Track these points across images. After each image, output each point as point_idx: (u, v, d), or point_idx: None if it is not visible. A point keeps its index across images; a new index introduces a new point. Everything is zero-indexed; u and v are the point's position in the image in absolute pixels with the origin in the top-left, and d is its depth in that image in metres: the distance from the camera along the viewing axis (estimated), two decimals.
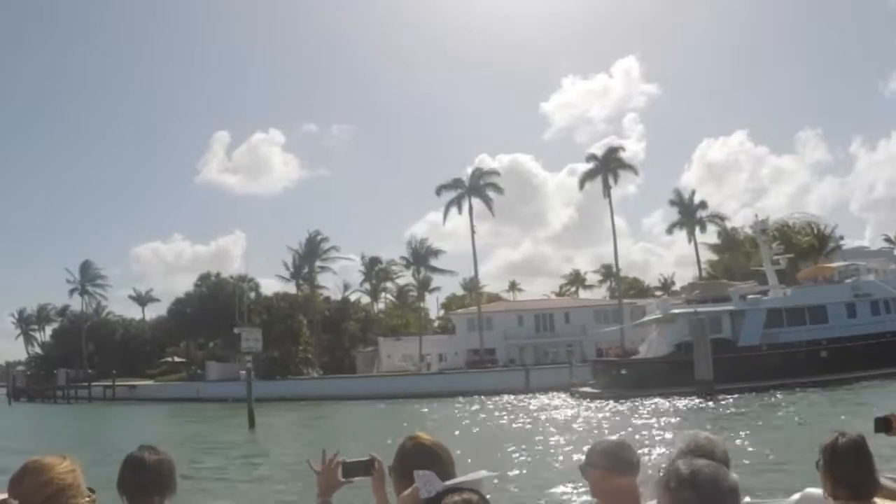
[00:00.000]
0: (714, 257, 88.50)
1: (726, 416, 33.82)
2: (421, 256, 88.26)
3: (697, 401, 41.13)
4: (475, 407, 48.05)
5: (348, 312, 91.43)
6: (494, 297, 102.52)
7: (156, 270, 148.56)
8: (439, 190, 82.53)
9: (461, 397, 56.49)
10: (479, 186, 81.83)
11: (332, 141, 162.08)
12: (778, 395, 41.09)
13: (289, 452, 28.28)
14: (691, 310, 50.85)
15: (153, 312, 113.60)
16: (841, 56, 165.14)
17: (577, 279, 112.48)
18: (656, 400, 42.37)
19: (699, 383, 44.02)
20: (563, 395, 53.68)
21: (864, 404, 31.98)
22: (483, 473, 3.00)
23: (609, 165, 79.04)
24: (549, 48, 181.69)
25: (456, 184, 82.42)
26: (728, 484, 2.27)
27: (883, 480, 3.77)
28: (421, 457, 3.21)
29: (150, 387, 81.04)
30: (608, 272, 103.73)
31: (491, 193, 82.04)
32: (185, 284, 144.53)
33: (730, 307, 51.20)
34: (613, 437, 3.57)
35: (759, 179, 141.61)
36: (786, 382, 44.20)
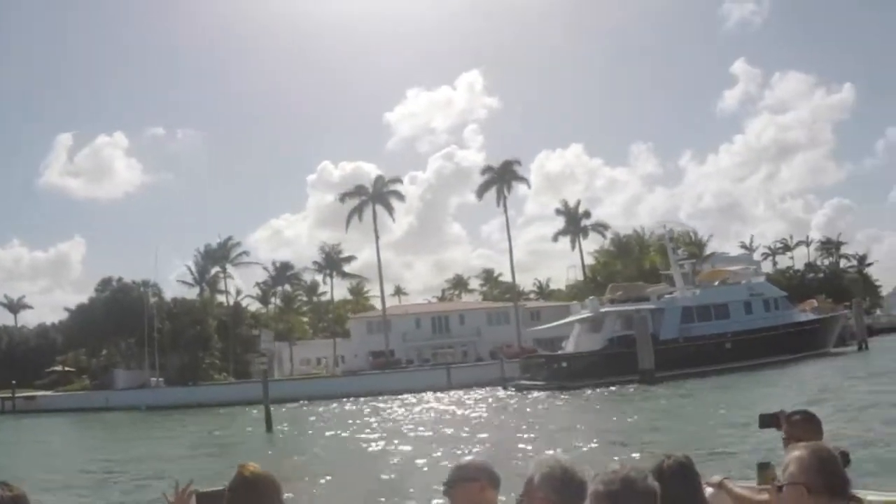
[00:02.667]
0: (590, 262, 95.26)
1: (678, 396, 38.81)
2: (334, 262, 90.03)
3: (641, 387, 46.50)
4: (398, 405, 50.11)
5: (241, 318, 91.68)
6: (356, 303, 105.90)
7: None
8: (342, 197, 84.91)
9: (382, 396, 58.49)
10: (382, 194, 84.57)
11: (177, 146, 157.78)
12: (707, 381, 46.54)
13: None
14: (620, 308, 56.52)
15: (24, 320, 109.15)
16: (676, 75, 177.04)
17: (460, 283, 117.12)
18: (594, 390, 47.16)
19: (643, 372, 49.36)
20: (483, 391, 56.81)
21: (773, 385, 39.34)
22: None
23: (504, 177, 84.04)
24: (397, 60, 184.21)
25: (359, 191, 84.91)
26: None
27: (733, 486, 4.38)
28: (247, 492, 3.27)
29: (53, 397, 76.73)
30: (489, 276, 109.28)
31: (397, 202, 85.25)
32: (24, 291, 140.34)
33: (651, 306, 56.83)
34: (475, 455, 3.90)
35: (595, 189, 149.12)
36: (702, 370, 49.80)
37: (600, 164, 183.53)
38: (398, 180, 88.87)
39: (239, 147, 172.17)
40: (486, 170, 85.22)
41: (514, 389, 55.35)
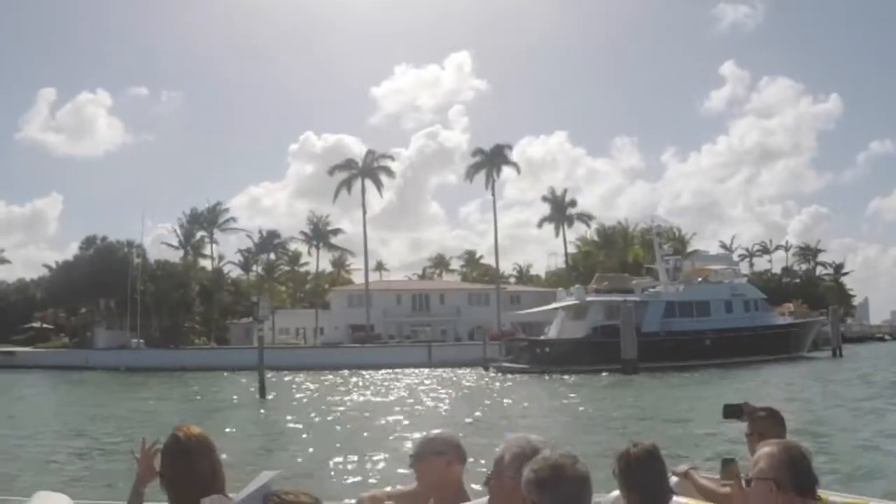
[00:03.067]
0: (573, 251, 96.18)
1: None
2: (321, 233, 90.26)
3: (623, 376, 47.43)
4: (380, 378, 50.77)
5: (221, 284, 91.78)
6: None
7: None
8: (332, 170, 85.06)
9: (365, 371, 58.97)
10: (372, 169, 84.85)
11: (160, 107, 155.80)
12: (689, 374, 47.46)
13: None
14: (605, 298, 57.47)
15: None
16: (665, 72, 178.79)
17: (441, 262, 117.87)
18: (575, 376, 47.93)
19: (625, 361, 50.28)
20: (465, 370, 57.41)
21: (749, 381, 39.89)
22: (268, 475, 2.97)
23: (494, 161, 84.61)
24: (387, 35, 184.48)
25: (349, 164, 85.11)
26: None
27: (697, 477, 4.46)
28: (183, 455, 3.21)
29: (32, 353, 76.10)
30: (470, 257, 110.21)
31: (383, 177, 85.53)
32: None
33: (636, 298, 57.69)
34: (441, 429, 3.85)
35: (575, 179, 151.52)
36: (681, 364, 50.62)
37: (583, 153, 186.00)
38: (389, 156, 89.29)
39: (222, 113, 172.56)
40: (477, 152, 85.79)
41: (495, 370, 56.20)
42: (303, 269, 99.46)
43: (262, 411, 32.83)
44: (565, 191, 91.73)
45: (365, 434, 22.01)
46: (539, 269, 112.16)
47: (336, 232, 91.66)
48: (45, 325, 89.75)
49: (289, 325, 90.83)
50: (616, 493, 3.76)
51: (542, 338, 59.78)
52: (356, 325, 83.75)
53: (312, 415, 28.41)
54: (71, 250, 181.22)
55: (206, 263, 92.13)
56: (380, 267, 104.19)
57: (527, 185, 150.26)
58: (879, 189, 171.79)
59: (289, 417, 27.60)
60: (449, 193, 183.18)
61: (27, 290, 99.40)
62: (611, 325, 54.62)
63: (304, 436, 22.60)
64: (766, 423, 4.46)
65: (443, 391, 39.90)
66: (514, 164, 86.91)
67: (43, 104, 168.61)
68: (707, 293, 60.25)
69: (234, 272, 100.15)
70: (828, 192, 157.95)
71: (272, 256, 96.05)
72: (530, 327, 72.51)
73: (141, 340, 75.83)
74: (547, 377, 48.88)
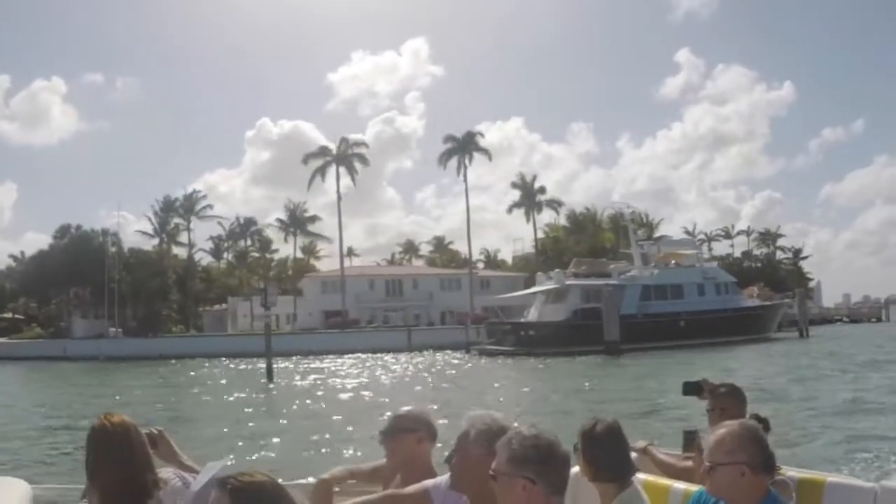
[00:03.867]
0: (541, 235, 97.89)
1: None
2: (298, 221, 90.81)
3: (606, 357, 49.23)
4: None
5: (194, 271, 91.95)
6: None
7: None
8: (306, 158, 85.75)
9: (346, 356, 59.67)
10: (347, 156, 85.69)
11: (115, 94, 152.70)
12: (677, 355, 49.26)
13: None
14: (584, 282, 59.29)
15: None
16: (621, 59, 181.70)
17: (410, 248, 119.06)
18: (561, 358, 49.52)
19: (608, 343, 52.06)
20: (445, 353, 58.82)
21: (736, 359, 42.14)
22: (215, 465, 2.88)
23: (466, 148, 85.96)
24: (344, 21, 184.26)
25: (323, 152, 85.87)
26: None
27: (656, 452, 4.52)
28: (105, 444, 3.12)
29: (7, 344, 74.89)
30: (439, 243, 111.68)
31: (357, 164, 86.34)
32: None
33: (614, 282, 59.49)
34: (412, 406, 3.88)
35: (531, 164, 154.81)
36: (659, 345, 52.52)
37: (538, 139, 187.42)
38: (363, 143, 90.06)
39: (177, 99, 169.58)
40: (448, 139, 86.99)
41: (478, 353, 57.68)
42: (276, 256, 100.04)
43: (274, 393, 33.79)
44: (534, 177, 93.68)
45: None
46: (505, 255, 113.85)
47: (314, 219, 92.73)
48: (16, 316, 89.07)
49: (249, 314, 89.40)
50: (576, 468, 3.58)
51: (523, 321, 61.32)
52: (330, 311, 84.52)
53: (319, 398, 29.51)
54: (26, 240, 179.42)
55: (178, 251, 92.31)
56: (350, 253, 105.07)
57: (484, 170, 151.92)
58: (831, 175, 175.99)
59: (308, 401, 28.55)
60: (405, 179, 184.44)
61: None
62: (590, 308, 56.32)
63: (336, 417, 23.61)
64: (728, 399, 4.46)
65: (434, 371, 41.09)
66: (486, 151, 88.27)
67: None
68: (680, 277, 62.26)
69: (205, 259, 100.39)
70: (780, 178, 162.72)
71: (248, 243, 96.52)
72: (501, 311, 74.27)
73: (119, 329, 75.87)
74: (533, 359, 50.36)
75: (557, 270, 62.74)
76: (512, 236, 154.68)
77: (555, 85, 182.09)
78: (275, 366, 42.84)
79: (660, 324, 57.01)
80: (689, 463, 4.26)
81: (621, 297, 58.00)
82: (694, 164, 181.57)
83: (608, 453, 3.49)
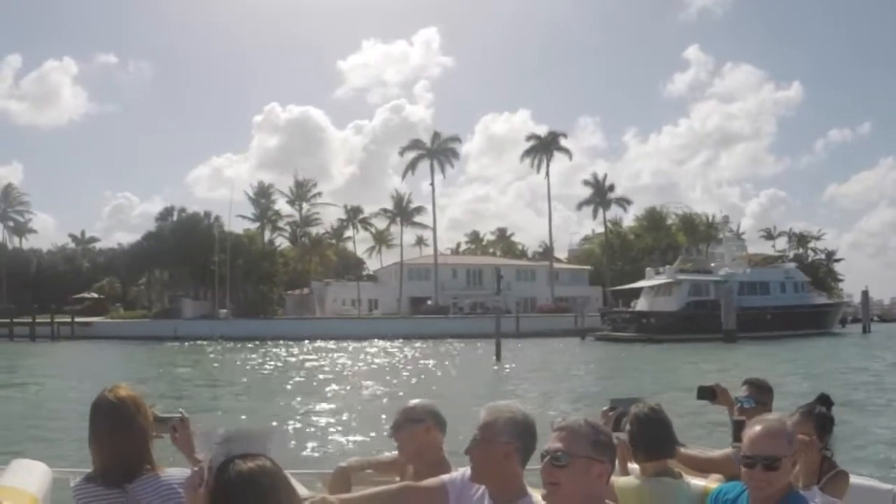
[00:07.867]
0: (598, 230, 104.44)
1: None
2: (405, 211, 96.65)
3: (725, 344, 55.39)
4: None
5: (276, 256, 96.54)
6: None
7: None
8: (402, 151, 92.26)
9: (454, 340, 62.81)
10: (441, 150, 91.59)
11: (126, 77, 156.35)
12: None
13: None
14: (693, 277, 67.00)
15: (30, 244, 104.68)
16: (631, 54, 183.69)
17: (476, 239, 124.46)
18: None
19: (726, 332, 59.16)
20: (559, 340, 62.80)
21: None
22: (269, 427, 2.80)
23: (549, 147, 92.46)
24: (356, 10, 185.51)
25: (416, 145, 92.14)
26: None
27: (691, 451, 4.46)
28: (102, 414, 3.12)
29: (114, 324, 74.64)
30: (502, 235, 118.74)
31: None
32: None
33: (716, 278, 66.75)
34: (419, 399, 3.96)
35: None
36: (750, 335, 58.30)
37: (546, 131, 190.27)
38: (456, 139, 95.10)
39: (187, 82, 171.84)
40: (531, 137, 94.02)
41: (595, 339, 64.34)
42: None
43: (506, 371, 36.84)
44: (605, 176, 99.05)
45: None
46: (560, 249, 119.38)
47: (420, 210, 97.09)
48: (95, 295, 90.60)
49: (336, 298, 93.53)
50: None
51: (639, 310, 68.34)
52: (416, 298, 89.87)
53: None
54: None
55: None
56: (420, 242, 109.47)
57: (488, 161, 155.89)
58: (836, 176, 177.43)
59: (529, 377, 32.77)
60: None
61: (74, 259, 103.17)
62: (699, 301, 63.69)
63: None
64: (768, 394, 4.67)
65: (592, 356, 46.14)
66: (567, 151, 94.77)
67: (8, 71, 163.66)
68: (768, 275, 70.09)
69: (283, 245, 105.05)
70: (785, 177, 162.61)
71: (353, 230, 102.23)
72: (572, 302, 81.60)
73: (227, 311, 78.10)
74: (654, 345, 56.10)
75: (669, 266, 70.02)
76: (518, 226, 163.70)
77: (563, 78, 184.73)
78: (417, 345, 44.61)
79: (752, 316, 63.42)
80: (717, 453, 4.40)
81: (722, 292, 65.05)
82: (699, 160, 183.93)
83: (649, 435, 3.78)
